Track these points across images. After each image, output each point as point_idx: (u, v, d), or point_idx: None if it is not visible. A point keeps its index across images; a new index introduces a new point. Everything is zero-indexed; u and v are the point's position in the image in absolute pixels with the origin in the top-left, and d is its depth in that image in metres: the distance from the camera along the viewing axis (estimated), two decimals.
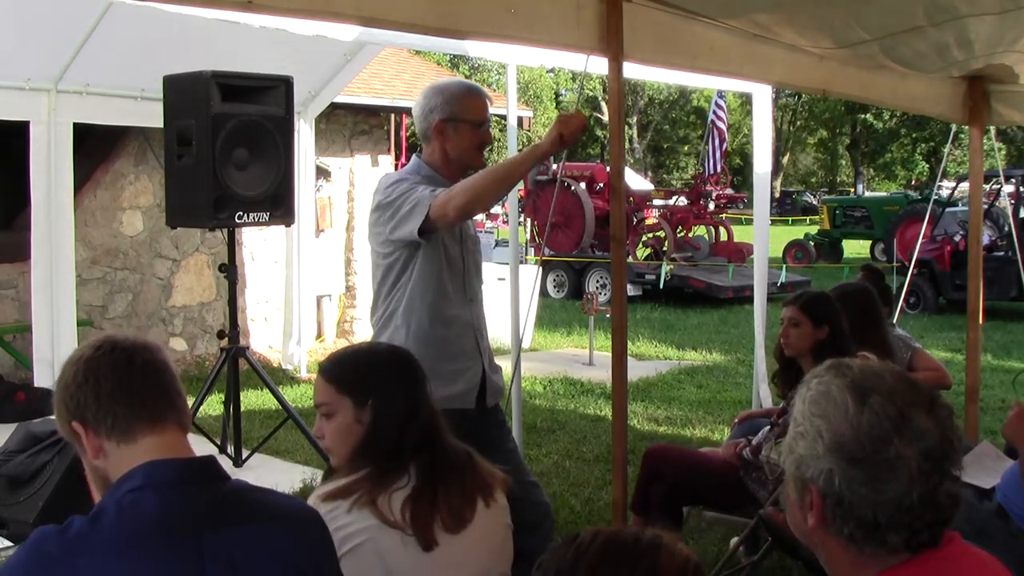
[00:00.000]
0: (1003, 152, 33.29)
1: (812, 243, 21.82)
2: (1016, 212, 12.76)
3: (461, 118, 3.11)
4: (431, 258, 3.10)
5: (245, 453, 5.47)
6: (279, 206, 5.49)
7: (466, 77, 18.53)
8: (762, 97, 6.53)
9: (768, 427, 3.93)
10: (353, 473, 2.15)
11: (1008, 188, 13.17)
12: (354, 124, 10.59)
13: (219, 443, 5.49)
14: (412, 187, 3.01)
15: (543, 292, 14.80)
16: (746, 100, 21.97)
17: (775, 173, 36.88)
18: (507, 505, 2.29)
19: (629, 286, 12.42)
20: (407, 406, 2.18)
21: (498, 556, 2.26)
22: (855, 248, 23.90)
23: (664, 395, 7.99)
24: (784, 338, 3.78)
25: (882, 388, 1.40)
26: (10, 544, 4.15)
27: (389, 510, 2.07)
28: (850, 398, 1.39)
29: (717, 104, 17.39)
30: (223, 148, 5.14)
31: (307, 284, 8.29)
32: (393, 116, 11.29)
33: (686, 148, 48.61)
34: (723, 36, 3.69)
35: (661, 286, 14.12)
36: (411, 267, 3.11)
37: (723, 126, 17.22)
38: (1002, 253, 12.43)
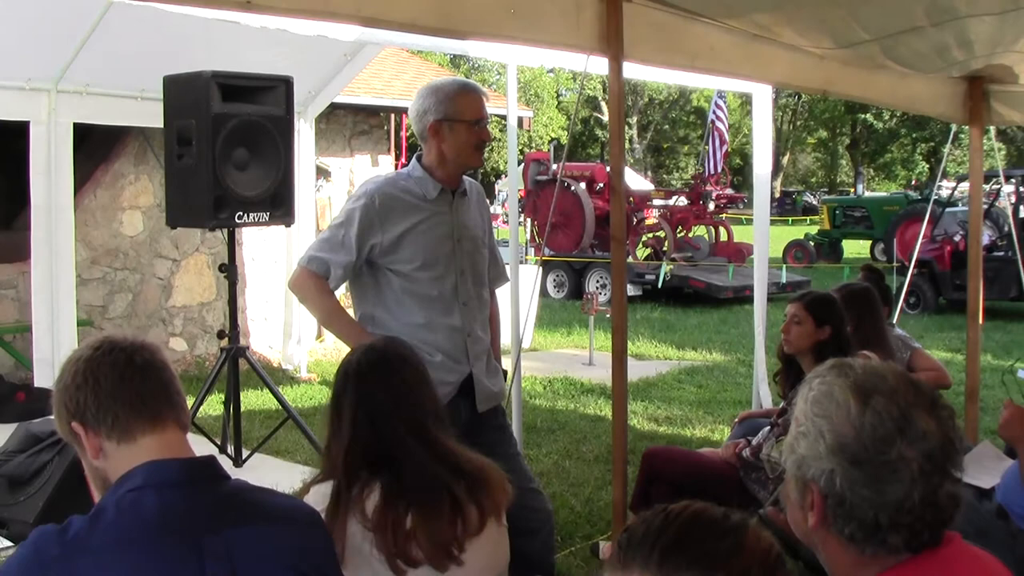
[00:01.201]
0: (1003, 152, 33.28)
1: (812, 243, 21.81)
2: (1016, 212, 12.75)
3: (456, 118, 3.10)
4: (405, 262, 3.11)
5: (245, 453, 5.47)
6: (279, 206, 5.48)
7: (466, 77, 18.51)
8: (762, 97, 6.52)
9: (768, 427, 3.94)
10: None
11: (1008, 188, 13.16)
12: (354, 124, 10.60)
13: (219, 443, 5.48)
14: (343, 223, 3.11)
15: (543, 292, 14.79)
16: (746, 100, 21.96)
17: (775, 173, 36.88)
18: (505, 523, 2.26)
19: (629, 286, 12.42)
20: (358, 418, 2.17)
21: (496, 562, 2.23)
22: (855, 248, 23.89)
23: (664, 395, 7.99)
24: (785, 334, 3.78)
25: (884, 389, 1.39)
26: (10, 544, 4.15)
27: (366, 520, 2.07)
28: (852, 398, 1.39)
29: (717, 104, 17.40)
30: (223, 148, 5.13)
31: None
32: (393, 116, 11.30)
33: (686, 148, 48.62)
34: (723, 36, 3.69)
35: (660, 286, 14.12)
36: (382, 270, 3.12)
37: (723, 127, 17.23)
38: (1002, 253, 12.42)
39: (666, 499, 3.61)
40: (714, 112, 17.48)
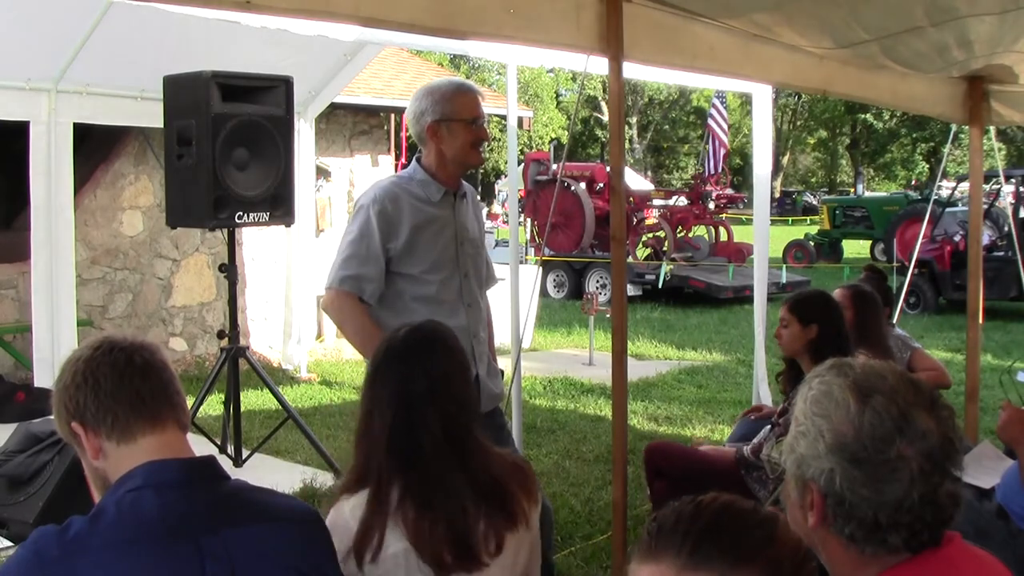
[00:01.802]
0: (1003, 152, 33.27)
1: (812, 243, 21.82)
2: (1016, 212, 12.75)
3: (453, 117, 3.11)
4: (414, 264, 3.11)
5: (245, 453, 5.47)
6: (279, 206, 5.48)
7: (466, 77, 18.61)
8: (762, 97, 6.52)
9: (768, 427, 3.94)
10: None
11: (1008, 188, 13.16)
12: (354, 124, 10.60)
13: (219, 443, 5.48)
14: (361, 234, 3.08)
15: (543, 292, 14.80)
16: (746, 100, 21.99)
17: (775, 173, 36.87)
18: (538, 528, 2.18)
19: (629, 286, 12.41)
20: (396, 403, 2.05)
21: (525, 562, 2.17)
22: (855, 248, 23.89)
23: (664, 395, 7.99)
24: (778, 339, 3.81)
25: (884, 388, 1.39)
26: (10, 544, 4.16)
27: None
28: (852, 398, 1.39)
29: (714, 105, 17.46)
30: (223, 148, 5.14)
31: (307, 284, 8.29)
32: (393, 116, 11.30)
33: (686, 148, 48.63)
34: (723, 36, 3.69)
35: (660, 286, 14.12)
36: (389, 274, 3.12)
37: (719, 129, 17.26)
38: (1002, 253, 12.42)
39: (666, 497, 3.62)
40: (711, 116, 17.55)
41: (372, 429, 2.05)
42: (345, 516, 2.01)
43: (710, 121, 17.82)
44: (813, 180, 51.23)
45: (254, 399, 7.10)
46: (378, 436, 2.04)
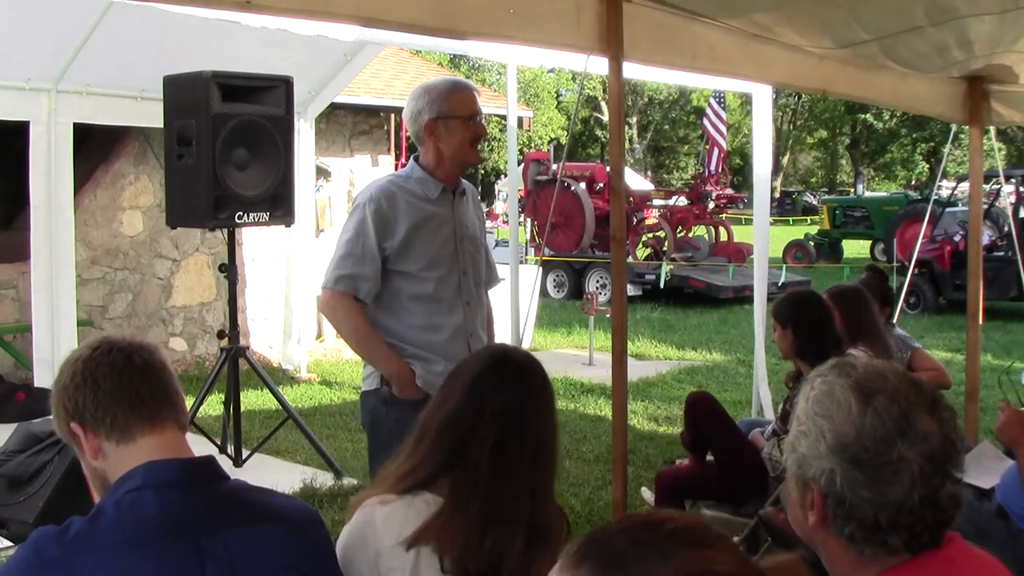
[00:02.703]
0: (1003, 152, 33.27)
1: (812, 243, 21.82)
2: (1016, 212, 12.75)
3: (450, 115, 3.11)
4: (411, 262, 3.11)
5: (245, 453, 5.47)
6: (279, 206, 5.48)
7: (466, 77, 18.60)
8: (762, 97, 6.53)
9: (771, 430, 3.97)
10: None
11: (1008, 188, 13.16)
12: (354, 124, 10.60)
13: (219, 443, 5.48)
14: (357, 233, 3.08)
15: (543, 292, 14.80)
16: (746, 100, 21.99)
17: (775, 173, 36.86)
18: None
19: (629, 286, 12.40)
20: (501, 414, 1.90)
21: None
22: (855, 248, 23.88)
23: (664, 395, 7.99)
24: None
25: (886, 389, 1.39)
26: (10, 544, 4.16)
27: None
28: (853, 398, 1.39)
29: (711, 106, 17.48)
30: (223, 148, 5.14)
31: (307, 284, 8.29)
32: (393, 116, 11.29)
33: (686, 148, 48.63)
34: (723, 36, 3.69)
35: (661, 286, 14.12)
36: (386, 273, 3.12)
37: (716, 131, 17.27)
38: (1002, 253, 12.43)
39: (672, 492, 3.53)
40: (706, 115, 17.61)
41: (474, 436, 1.89)
42: (376, 527, 1.86)
43: (705, 122, 17.84)
44: (813, 180, 51.21)
45: (254, 399, 7.10)
46: (482, 444, 1.88)
